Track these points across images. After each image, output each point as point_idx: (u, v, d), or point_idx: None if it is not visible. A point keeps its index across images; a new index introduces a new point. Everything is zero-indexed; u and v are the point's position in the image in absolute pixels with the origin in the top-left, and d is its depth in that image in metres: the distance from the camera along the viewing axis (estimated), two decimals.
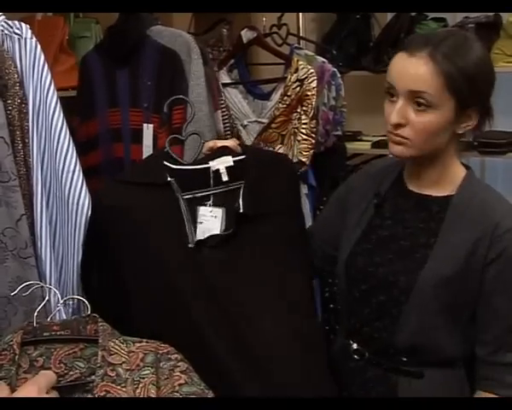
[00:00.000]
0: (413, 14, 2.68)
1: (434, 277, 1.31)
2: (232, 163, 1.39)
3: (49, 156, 1.51)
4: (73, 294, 1.48)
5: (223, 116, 1.87)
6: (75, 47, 2.28)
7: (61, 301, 1.32)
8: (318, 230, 1.61)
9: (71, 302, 1.44)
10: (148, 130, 1.74)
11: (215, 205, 1.41)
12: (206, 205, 1.42)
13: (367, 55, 2.66)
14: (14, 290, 1.46)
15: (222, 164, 1.38)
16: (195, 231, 1.40)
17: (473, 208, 1.34)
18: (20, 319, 1.48)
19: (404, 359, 1.36)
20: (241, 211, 1.38)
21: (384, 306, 1.37)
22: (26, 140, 1.49)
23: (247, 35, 2.00)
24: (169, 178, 1.38)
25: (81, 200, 1.49)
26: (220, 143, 1.47)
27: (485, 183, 1.45)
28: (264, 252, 1.40)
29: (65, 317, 1.35)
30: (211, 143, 1.48)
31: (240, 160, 1.41)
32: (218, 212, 1.42)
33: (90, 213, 1.50)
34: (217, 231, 1.40)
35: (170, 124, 1.71)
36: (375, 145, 2.79)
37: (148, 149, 1.73)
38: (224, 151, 1.42)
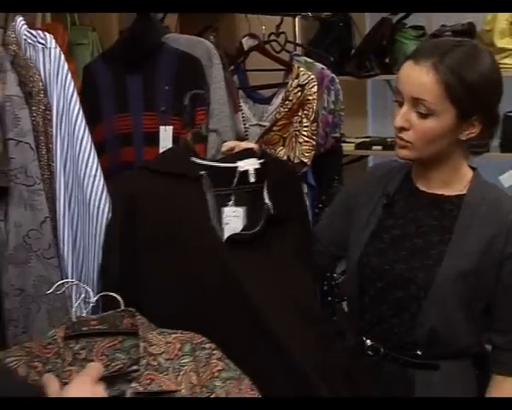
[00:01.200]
0: (394, 22, 2.81)
1: (452, 272, 1.38)
2: (258, 166, 1.46)
3: (71, 161, 1.56)
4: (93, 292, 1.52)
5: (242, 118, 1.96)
6: (73, 54, 2.31)
7: (95, 298, 1.38)
8: (324, 231, 1.68)
9: (91, 300, 1.48)
10: (165, 132, 1.81)
11: (237, 204, 1.49)
12: (228, 203, 1.49)
13: (350, 61, 2.78)
14: (38, 289, 1.52)
15: (250, 166, 1.45)
16: (220, 226, 1.47)
17: (485, 206, 1.41)
18: (43, 316, 1.54)
19: (420, 352, 1.43)
20: (273, 212, 1.45)
21: (402, 302, 1.44)
22: (50, 145, 1.55)
23: (248, 42, 2.09)
24: (201, 172, 1.44)
25: (102, 203, 1.55)
26: (245, 145, 1.54)
27: (490, 182, 1.52)
28: (282, 252, 1.47)
29: (85, 313, 1.39)
30: (231, 144, 1.55)
31: (262, 163, 1.49)
32: (240, 211, 1.49)
33: (110, 215, 1.55)
34: (238, 229, 1.47)
35: (193, 125, 1.78)
36: (359, 146, 2.91)
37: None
38: (248, 153, 1.50)
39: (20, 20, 1.61)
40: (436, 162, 1.44)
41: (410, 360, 1.44)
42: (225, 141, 1.73)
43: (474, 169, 1.49)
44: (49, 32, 1.83)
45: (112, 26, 2.37)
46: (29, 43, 1.56)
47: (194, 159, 1.47)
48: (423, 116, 1.35)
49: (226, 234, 1.45)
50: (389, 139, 2.97)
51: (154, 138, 1.86)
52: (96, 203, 1.54)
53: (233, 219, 1.47)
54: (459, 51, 1.36)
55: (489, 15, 2.65)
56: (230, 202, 1.47)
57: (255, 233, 1.44)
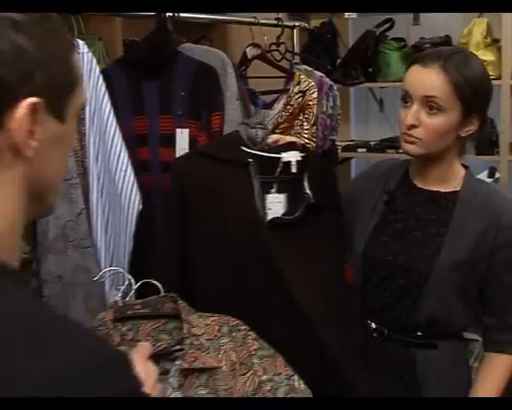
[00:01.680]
0: (377, 34, 3.00)
1: (450, 262, 1.55)
2: (300, 158, 1.62)
3: (102, 157, 1.68)
4: (124, 279, 1.64)
5: None
6: None
7: (137, 285, 1.50)
8: None
9: (121, 287, 1.59)
10: (182, 134, 1.93)
11: (279, 191, 1.63)
12: (271, 190, 1.63)
13: (337, 70, 2.96)
14: (75, 277, 1.63)
15: (293, 157, 1.60)
16: (264, 210, 1.60)
17: (478, 202, 1.58)
18: (80, 301, 1.65)
19: (420, 333, 1.59)
20: (312, 201, 1.60)
21: (404, 289, 1.59)
22: (83, 143, 1.67)
23: (251, 51, 2.23)
24: (249, 160, 1.59)
25: (133, 195, 1.68)
26: (288, 138, 1.69)
27: (481, 179, 1.72)
28: (319, 238, 1.62)
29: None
30: (277, 137, 1.70)
31: (304, 155, 1.64)
32: (281, 198, 1.64)
33: (140, 206, 1.68)
34: (280, 214, 1.62)
35: (209, 128, 1.92)
36: (345, 149, 3.09)
37: (182, 150, 1.92)
38: (291, 146, 1.64)
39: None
40: (435, 159, 1.60)
41: (412, 341, 1.60)
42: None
43: (466, 168, 1.66)
44: None
45: (116, 36, 2.48)
46: None
47: (243, 147, 1.61)
48: (433, 113, 1.51)
49: (269, 217, 1.59)
50: (372, 142, 3.18)
51: (169, 140, 1.99)
52: (128, 195, 1.67)
53: (276, 205, 1.62)
54: (459, 56, 1.56)
55: (465, 29, 2.86)
56: (273, 189, 1.61)
57: (296, 218, 1.60)
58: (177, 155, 1.93)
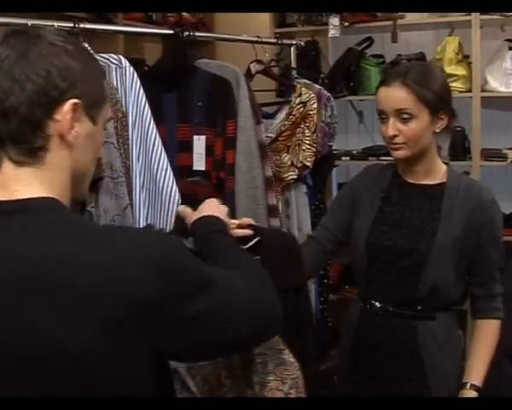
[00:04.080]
0: (358, 51, 3.28)
1: (446, 239, 1.80)
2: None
3: (143, 158, 1.86)
4: None
5: None
6: None
7: None
8: (331, 222, 2.03)
9: None
10: (199, 141, 2.14)
11: None
12: None
13: (322, 84, 3.20)
14: None
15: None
16: None
17: (462, 189, 1.85)
18: None
19: (420, 307, 1.82)
20: None
21: (406, 269, 1.82)
22: (126, 146, 1.86)
23: (255, 67, 2.46)
24: None
25: (173, 192, 1.87)
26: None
27: (461, 172, 2.03)
28: None
29: None
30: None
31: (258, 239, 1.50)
32: None
33: (180, 201, 1.87)
34: None
35: (224, 134, 2.12)
36: None
37: (199, 155, 2.13)
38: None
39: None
40: (420, 156, 1.85)
41: (414, 314, 1.83)
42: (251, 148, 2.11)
43: (446, 164, 1.93)
44: None
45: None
46: (102, 63, 1.87)
47: None
48: (406, 121, 1.78)
49: None
50: (354, 151, 3.44)
51: (187, 146, 2.19)
52: (168, 192, 1.85)
53: None
54: (415, 69, 1.83)
55: (439, 46, 3.16)
56: None
57: None
58: (195, 160, 2.13)
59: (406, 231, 1.86)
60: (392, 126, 1.80)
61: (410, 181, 1.91)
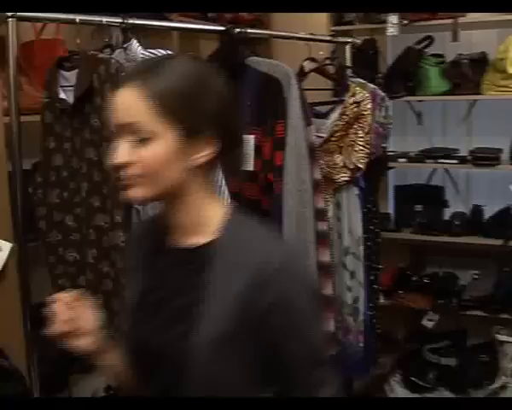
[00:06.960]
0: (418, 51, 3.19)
1: (208, 340, 1.14)
2: None
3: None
4: None
5: None
6: None
7: None
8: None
9: None
10: (248, 141, 2.11)
11: None
12: None
13: (379, 84, 3.12)
14: None
15: None
16: None
17: (239, 252, 1.17)
18: None
19: None
20: None
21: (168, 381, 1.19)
22: None
23: (308, 65, 2.41)
24: None
25: None
26: None
27: (253, 220, 1.24)
28: None
29: None
30: None
31: None
32: None
33: None
34: None
35: (273, 135, 2.09)
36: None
37: (248, 155, 2.10)
38: None
39: (135, 42, 1.93)
40: (173, 203, 1.21)
41: None
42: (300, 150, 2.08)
43: (230, 207, 1.25)
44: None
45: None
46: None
47: None
48: (141, 144, 1.13)
49: None
50: (411, 153, 3.36)
51: None
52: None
53: None
54: (161, 64, 1.18)
55: (501, 46, 3.03)
56: None
57: None
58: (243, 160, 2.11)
59: (163, 323, 1.22)
60: (122, 151, 1.14)
61: (169, 242, 1.26)
